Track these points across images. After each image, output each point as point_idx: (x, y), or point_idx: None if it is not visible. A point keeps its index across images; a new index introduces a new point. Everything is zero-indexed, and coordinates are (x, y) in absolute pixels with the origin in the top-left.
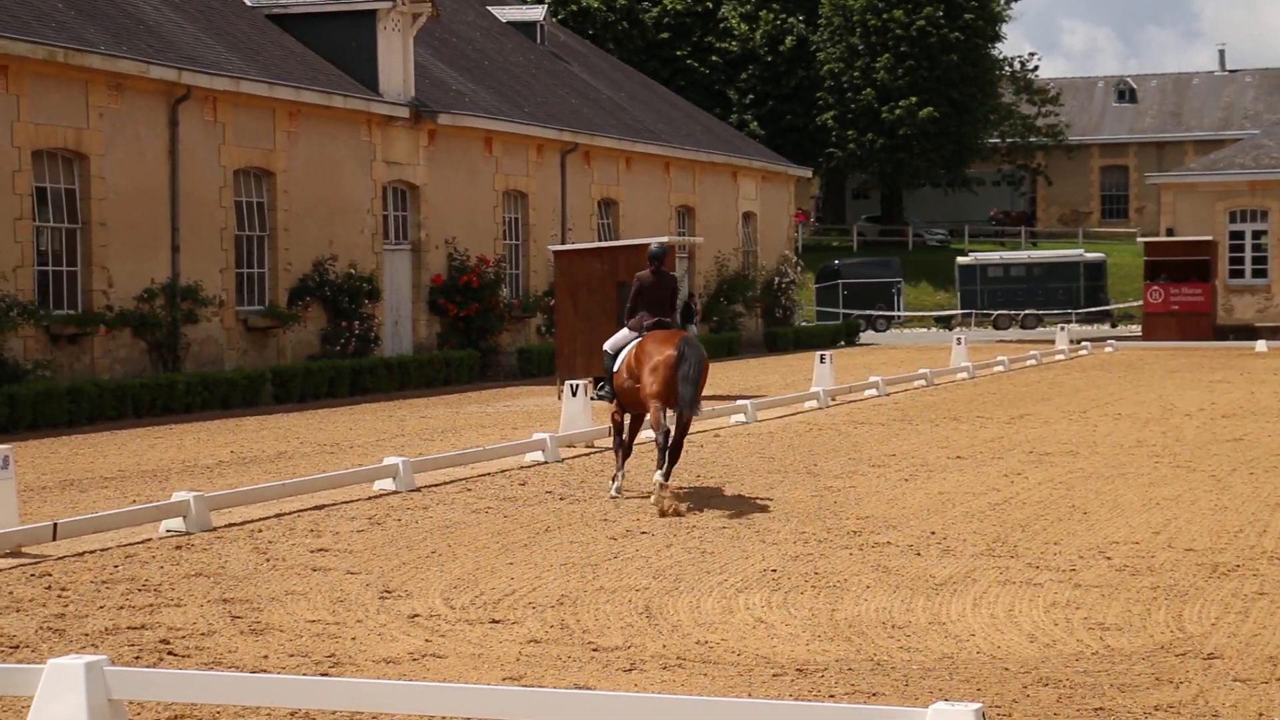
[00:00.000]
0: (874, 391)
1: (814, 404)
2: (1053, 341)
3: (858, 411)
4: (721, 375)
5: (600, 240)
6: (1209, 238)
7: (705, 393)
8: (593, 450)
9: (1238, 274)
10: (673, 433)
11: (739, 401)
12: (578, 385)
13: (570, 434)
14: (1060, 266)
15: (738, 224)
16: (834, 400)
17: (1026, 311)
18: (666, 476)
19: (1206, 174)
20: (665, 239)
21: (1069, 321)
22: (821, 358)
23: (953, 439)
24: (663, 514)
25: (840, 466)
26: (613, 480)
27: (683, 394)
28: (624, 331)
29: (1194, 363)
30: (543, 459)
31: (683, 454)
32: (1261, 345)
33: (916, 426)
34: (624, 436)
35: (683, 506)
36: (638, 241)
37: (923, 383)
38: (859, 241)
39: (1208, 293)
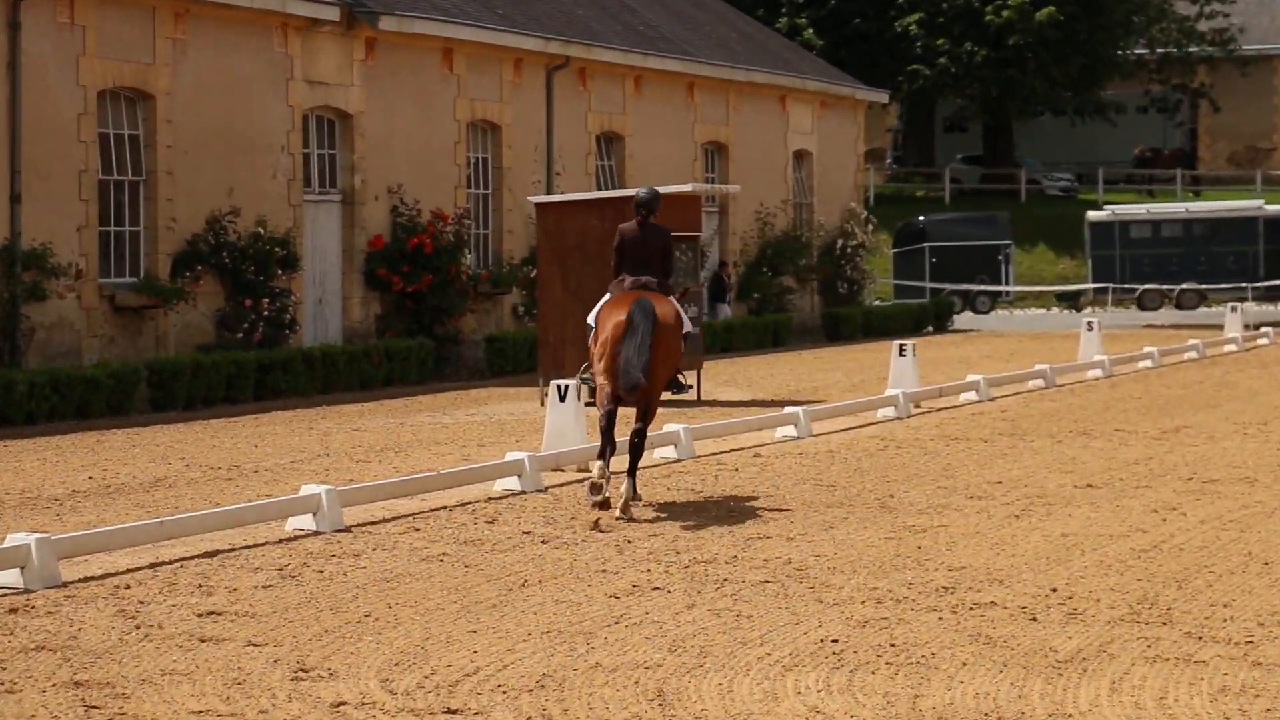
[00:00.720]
0: (973, 395)
1: (890, 412)
2: (1220, 327)
3: (950, 423)
4: (763, 372)
5: (600, 189)
6: None
7: (734, 395)
8: (588, 475)
9: None
10: (632, 421)
11: (787, 409)
12: (567, 386)
13: (557, 453)
14: (1231, 223)
15: (787, 167)
16: (917, 407)
17: (1184, 286)
18: (631, 473)
19: None
20: (687, 187)
21: (1243, 299)
22: (901, 349)
23: (1081, 461)
24: (594, 526)
25: (926, 498)
26: (592, 490)
27: (621, 366)
28: (604, 298)
29: None
30: (519, 487)
31: (695, 475)
32: None
33: (1031, 444)
34: (606, 402)
35: (614, 517)
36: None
37: (1040, 384)
38: (953, 191)
39: None
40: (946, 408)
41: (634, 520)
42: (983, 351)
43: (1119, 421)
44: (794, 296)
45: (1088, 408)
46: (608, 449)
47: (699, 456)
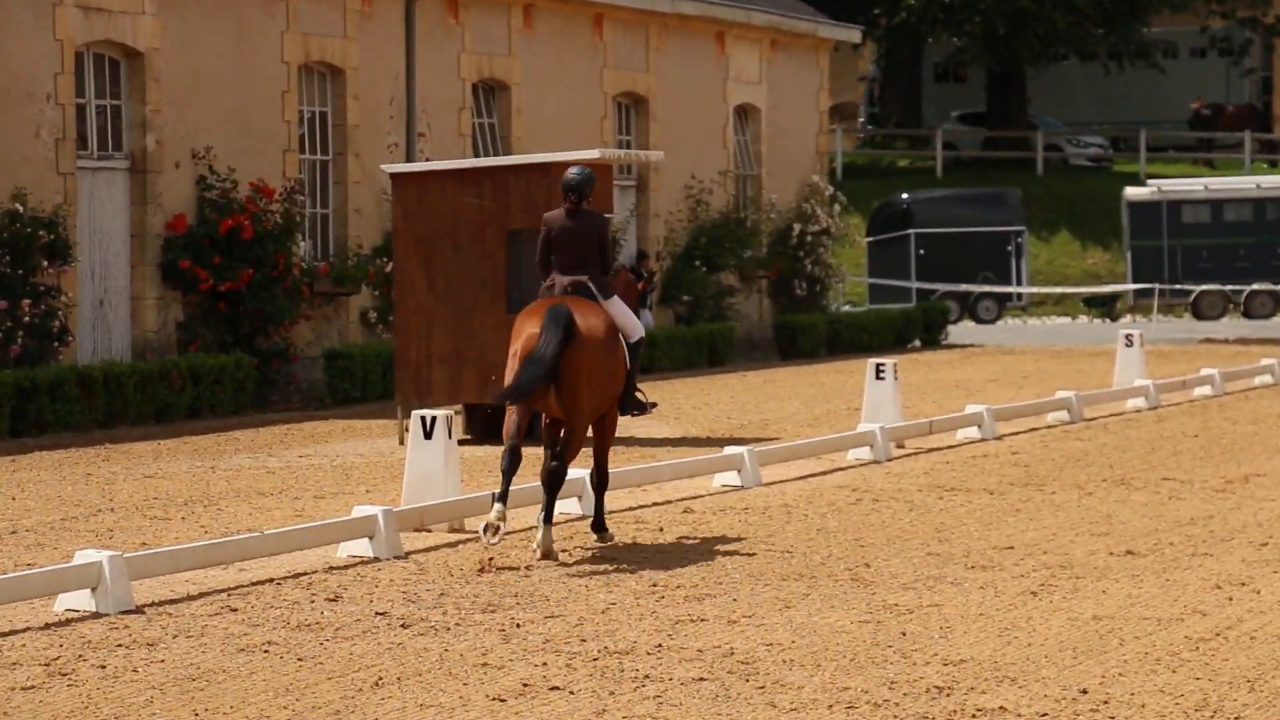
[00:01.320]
0: (974, 432)
1: (865, 454)
2: None
3: (945, 468)
4: (697, 400)
5: (477, 155)
6: None
7: (658, 430)
8: (463, 537)
9: None
10: (576, 452)
11: (729, 450)
12: (434, 419)
13: (421, 507)
14: None
15: (726, 127)
16: (901, 448)
17: (1254, 286)
18: (548, 518)
19: None
20: (594, 153)
21: None
22: (879, 370)
23: (1119, 520)
24: (545, 554)
25: (913, 569)
26: (486, 530)
27: (519, 377)
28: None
29: None
30: (370, 553)
31: (614, 529)
32: None
33: (1052, 496)
34: (512, 441)
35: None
36: (546, 158)
37: (1063, 417)
38: (947, 160)
39: None
40: (939, 448)
41: (556, 560)
42: (987, 374)
43: (1168, 468)
44: (737, 299)
45: (1127, 449)
46: (507, 490)
47: (611, 512)
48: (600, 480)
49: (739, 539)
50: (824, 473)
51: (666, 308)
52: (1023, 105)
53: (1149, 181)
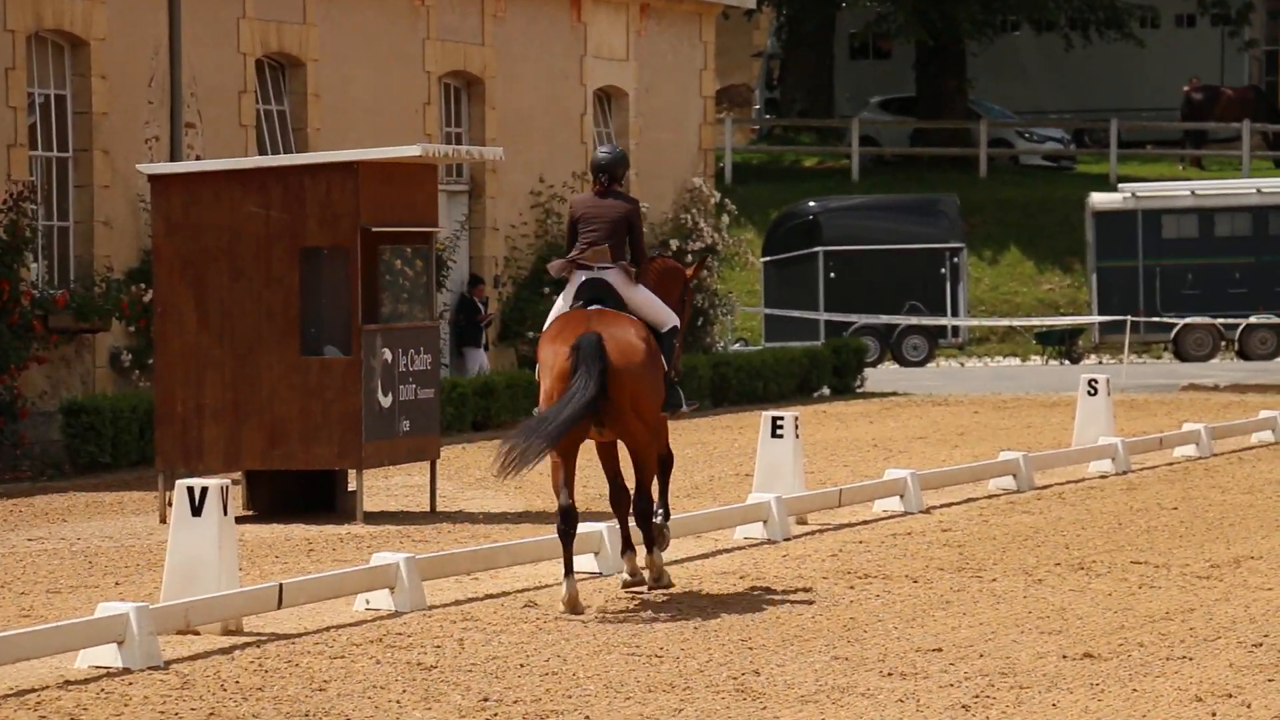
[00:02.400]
0: (896, 504)
1: (758, 531)
2: None
3: (858, 550)
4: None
5: (264, 151)
6: None
7: (494, 503)
8: (239, 640)
9: None
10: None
11: (584, 528)
12: (205, 490)
13: (187, 603)
14: None
15: (585, 117)
16: (803, 524)
17: (1252, 319)
18: (649, 545)
19: None
20: (413, 150)
21: None
22: (776, 426)
23: (1076, 614)
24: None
25: (814, 677)
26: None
27: (551, 423)
28: (558, 300)
29: None
30: (119, 663)
31: (426, 637)
32: None
33: (992, 585)
34: (563, 500)
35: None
36: (353, 155)
37: (1009, 484)
38: (865, 158)
39: None
40: (851, 524)
41: (670, 587)
42: (913, 430)
43: (1139, 549)
44: None
45: (1088, 525)
46: (571, 560)
47: (430, 608)
48: (663, 474)
49: (594, 639)
50: (705, 555)
51: (507, 346)
52: (961, 89)
53: (1121, 186)
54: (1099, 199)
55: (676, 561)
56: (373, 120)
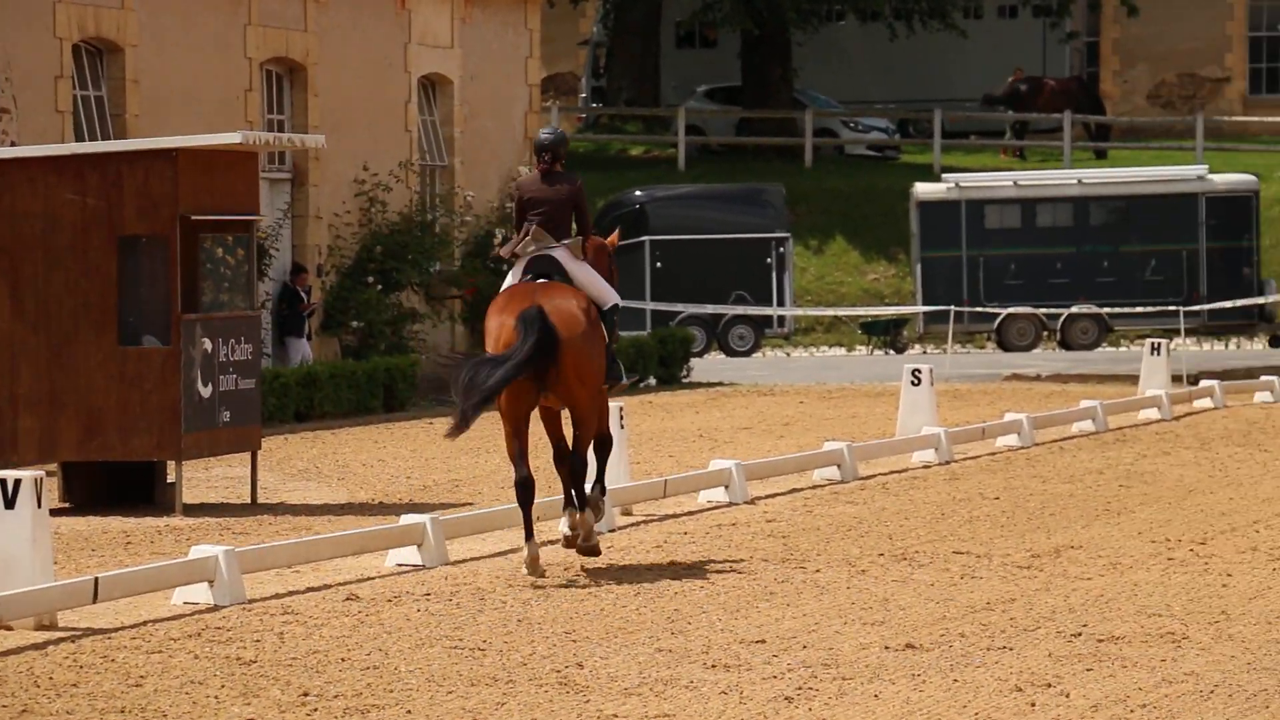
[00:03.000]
0: (720, 494)
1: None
2: (1134, 379)
3: (682, 541)
4: (369, 454)
5: (81, 138)
6: None
7: (317, 495)
8: (54, 635)
9: None
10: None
11: (408, 519)
12: (17, 483)
13: (4, 596)
14: (1153, 205)
15: (409, 105)
16: (628, 515)
17: (1074, 309)
18: (580, 506)
19: None
20: (234, 137)
21: (1173, 331)
22: None
23: (899, 605)
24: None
25: (638, 669)
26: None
27: (487, 381)
28: (508, 276)
29: None
30: None
31: (245, 630)
32: None
33: (816, 575)
34: (521, 471)
35: (579, 553)
36: (171, 142)
37: (833, 474)
38: (692, 147)
39: None
40: (676, 515)
41: (595, 555)
42: (738, 420)
43: (961, 539)
44: (422, 326)
45: (911, 515)
46: (531, 524)
47: (250, 602)
48: (603, 449)
49: (417, 633)
50: (492, 555)
51: (331, 336)
52: (787, 78)
53: (945, 176)
54: (923, 189)
55: (498, 554)
56: (193, 107)
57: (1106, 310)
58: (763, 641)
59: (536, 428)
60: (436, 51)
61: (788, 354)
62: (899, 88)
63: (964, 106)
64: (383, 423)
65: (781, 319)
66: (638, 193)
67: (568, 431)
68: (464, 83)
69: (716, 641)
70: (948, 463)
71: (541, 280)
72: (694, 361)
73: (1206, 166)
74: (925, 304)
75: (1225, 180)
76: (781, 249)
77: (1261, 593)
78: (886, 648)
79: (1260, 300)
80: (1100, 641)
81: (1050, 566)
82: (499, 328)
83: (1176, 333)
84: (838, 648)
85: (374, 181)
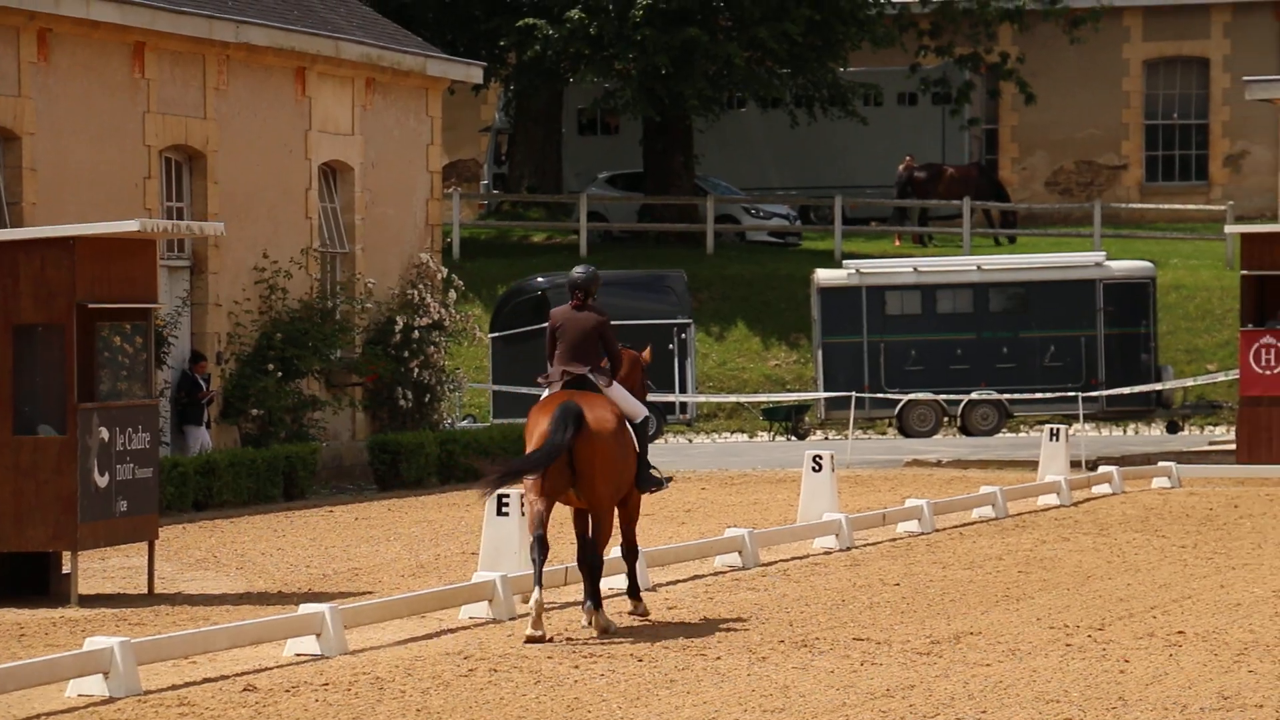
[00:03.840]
0: (621, 582)
1: (483, 611)
2: (1034, 465)
3: (583, 628)
4: (268, 544)
5: None
6: None
7: (215, 584)
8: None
9: None
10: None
11: (307, 609)
12: None
13: None
14: (1052, 291)
15: (310, 192)
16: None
17: (975, 394)
18: (596, 605)
19: None
20: (132, 224)
21: (1072, 417)
22: (501, 504)
23: (798, 692)
24: (602, 630)
25: None
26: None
27: (530, 459)
28: (545, 391)
29: None
30: None
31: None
32: None
33: (716, 661)
34: (537, 532)
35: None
36: (69, 230)
37: (734, 561)
38: (594, 234)
39: None
40: (576, 601)
41: (613, 634)
42: (641, 507)
43: (862, 625)
44: (323, 414)
45: (812, 602)
46: (541, 575)
47: (146, 694)
48: (630, 553)
49: None
50: (429, 636)
51: (230, 424)
52: (688, 165)
53: (845, 262)
54: (824, 275)
55: (400, 643)
56: (91, 194)
57: (1006, 396)
58: None
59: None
60: (337, 139)
61: (690, 440)
62: (800, 174)
63: (865, 193)
64: (282, 511)
65: (684, 405)
66: (539, 279)
67: None
68: (365, 169)
69: None
70: (849, 549)
71: (576, 390)
72: None
73: (1104, 253)
74: (826, 390)
75: (1122, 267)
76: (684, 335)
77: (1158, 679)
78: None
79: (1157, 386)
80: None
81: (950, 653)
82: (538, 422)
83: (1075, 418)
84: None
85: (274, 269)
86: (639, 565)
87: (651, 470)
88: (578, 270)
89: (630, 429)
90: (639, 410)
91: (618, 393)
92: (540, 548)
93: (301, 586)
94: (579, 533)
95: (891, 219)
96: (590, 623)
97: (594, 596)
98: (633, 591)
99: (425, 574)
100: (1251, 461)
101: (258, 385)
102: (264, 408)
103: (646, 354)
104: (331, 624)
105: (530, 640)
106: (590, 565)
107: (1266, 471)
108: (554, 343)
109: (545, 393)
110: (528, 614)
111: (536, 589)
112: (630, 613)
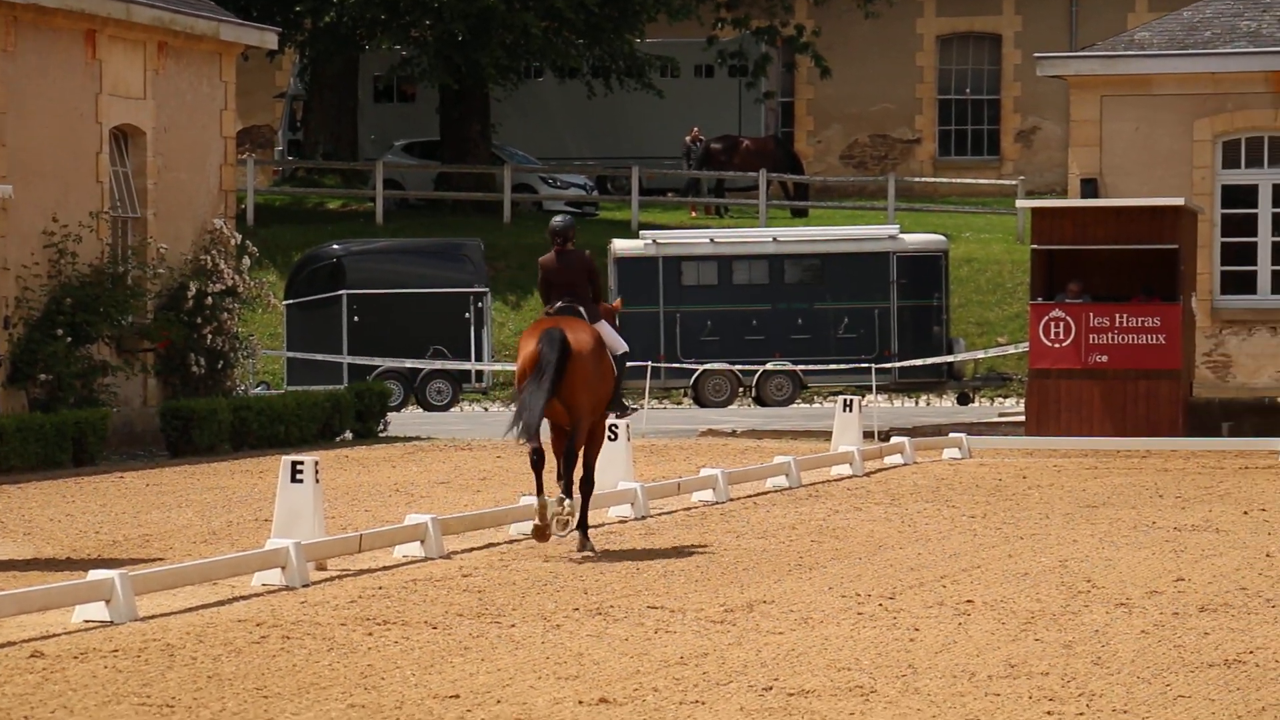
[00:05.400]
0: (417, 549)
1: (276, 578)
2: (828, 435)
3: (377, 596)
4: (56, 510)
5: None
6: (1179, 201)
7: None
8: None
9: (1242, 284)
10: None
11: (96, 575)
12: None
13: None
14: (846, 264)
15: (100, 155)
16: (323, 570)
17: (770, 365)
18: (567, 494)
19: (1173, 55)
20: None
21: (865, 388)
22: (296, 471)
23: (593, 659)
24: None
25: None
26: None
27: (519, 413)
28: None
29: (1141, 487)
30: None
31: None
32: None
33: (512, 629)
34: (535, 443)
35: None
36: None
37: (528, 529)
38: (390, 201)
39: (1174, 324)
40: (372, 569)
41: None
42: (436, 474)
43: (656, 593)
44: (114, 380)
45: (606, 571)
46: (541, 486)
47: None
48: (587, 485)
49: (103, 690)
50: (221, 602)
51: (18, 389)
52: (485, 134)
53: (642, 233)
54: (621, 245)
55: (189, 610)
56: None
57: (801, 367)
58: (456, 696)
59: None
60: (129, 102)
61: (485, 409)
62: (597, 145)
63: (662, 164)
64: (71, 477)
65: (480, 374)
66: (335, 246)
67: None
68: (157, 134)
69: (410, 697)
70: (644, 518)
71: (560, 316)
72: (391, 416)
73: (898, 226)
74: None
75: (916, 240)
76: (480, 304)
77: (947, 646)
78: (580, 702)
79: (949, 358)
80: (791, 695)
81: (743, 621)
82: (527, 346)
83: (868, 389)
84: (531, 703)
85: (64, 233)
86: (589, 501)
87: (623, 399)
88: (557, 219)
89: (610, 356)
90: (620, 344)
91: (604, 328)
92: (538, 455)
93: (91, 553)
94: (558, 450)
95: (688, 190)
96: (562, 513)
97: (567, 482)
98: (581, 526)
99: (218, 541)
100: (1040, 433)
101: (47, 350)
102: (53, 373)
103: (618, 304)
104: (121, 590)
105: (535, 532)
106: (568, 454)
107: (1054, 443)
108: (547, 286)
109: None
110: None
111: (538, 498)
112: (578, 550)
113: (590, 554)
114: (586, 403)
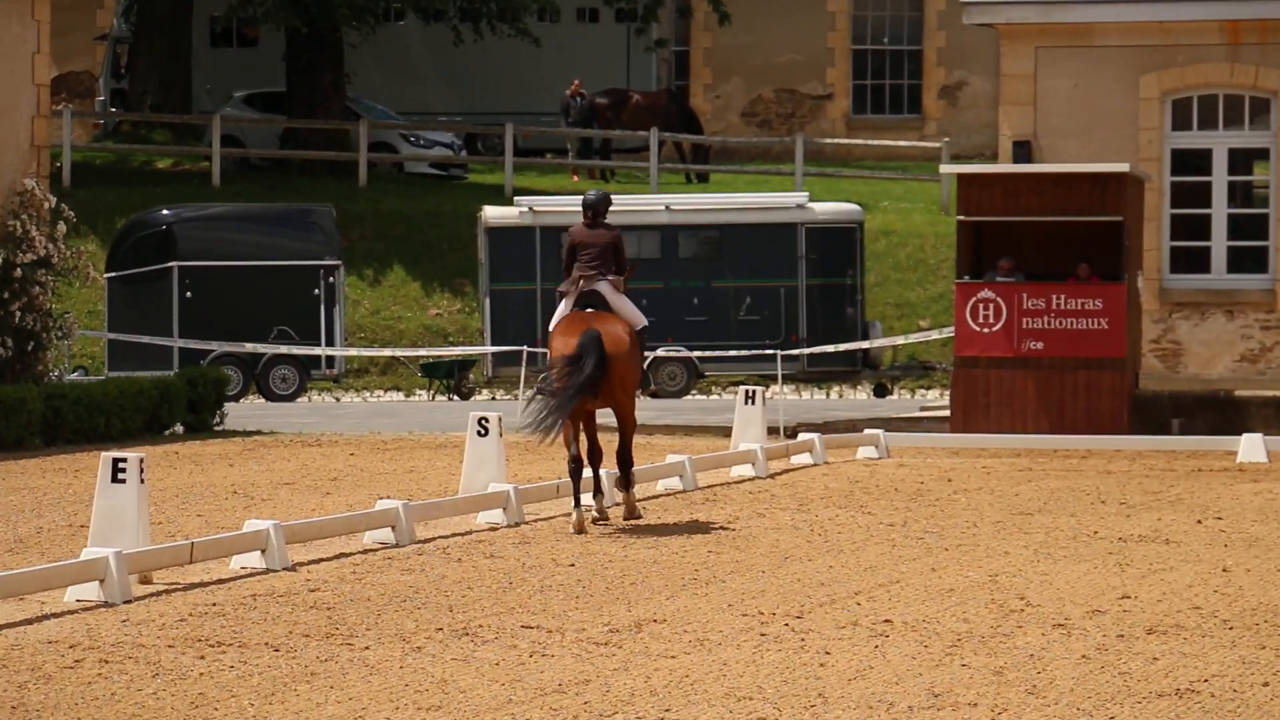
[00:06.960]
0: (256, 559)
1: (91, 592)
2: (728, 430)
3: (211, 613)
4: None
5: None
6: (1123, 168)
7: None
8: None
9: (1195, 261)
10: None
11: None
12: None
13: None
14: (749, 235)
15: None
16: (148, 583)
17: (661, 350)
18: (626, 487)
19: (1117, 2)
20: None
21: (770, 377)
22: (118, 469)
23: (458, 686)
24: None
25: None
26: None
27: (563, 397)
28: (561, 304)
29: (1081, 492)
30: None
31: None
32: (1254, 445)
33: (364, 652)
34: (573, 451)
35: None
36: None
37: (386, 538)
38: (228, 161)
39: (1118, 307)
40: (205, 583)
41: (640, 518)
42: (280, 475)
43: (531, 611)
44: None
45: (475, 584)
46: (579, 492)
47: None
48: (627, 463)
49: None
50: (29, 621)
51: None
52: (339, 84)
53: (517, 199)
54: (492, 213)
55: (11, 625)
56: None
57: (696, 353)
58: None
59: None
60: None
61: (337, 399)
62: (467, 98)
63: (540, 121)
64: None
65: (331, 359)
66: (165, 212)
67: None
68: None
69: None
70: (518, 524)
71: (590, 310)
72: (229, 406)
73: (807, 194)
74: (494, 343)
75: (826, 210)
76: (331, 278)
77: (862, 673)
78: None
79: (864, 344)
80: None
81: (630, 643)
82: (564, 345)
83: (773, 379)
84: None
85: None
86: (631, 476)
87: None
88: (590, 193)
89: (637, 338)
90: (639, 319)
91: (623, 303)
92: (576, 463)
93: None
94: (589, 432)
95: (570, 151)
96: (602, 510)
97: (626, 482)
98: (624, 483)
99: (26, 550)
100: (967, 430)
101: None
102: None
103: (630, 270)
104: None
105: (576, 528)
106: (622, 458)
107: (983, 441)
108: (572, 257)
109: (561, 307)
110: (626, 508)
111: (576, 510)
112: (625, 518)
113: (638, 518)
114: (626, 400)
